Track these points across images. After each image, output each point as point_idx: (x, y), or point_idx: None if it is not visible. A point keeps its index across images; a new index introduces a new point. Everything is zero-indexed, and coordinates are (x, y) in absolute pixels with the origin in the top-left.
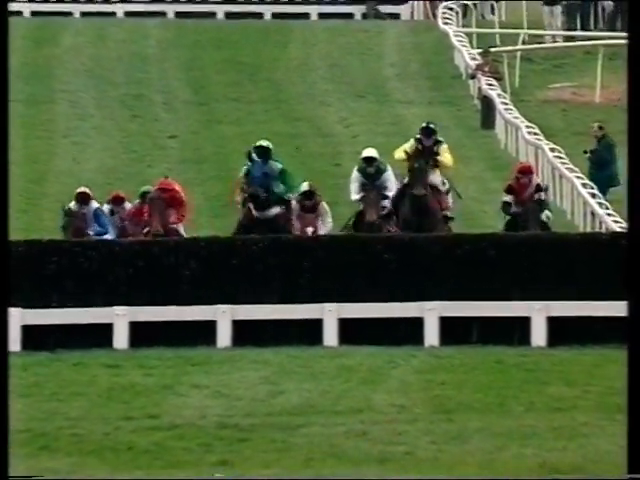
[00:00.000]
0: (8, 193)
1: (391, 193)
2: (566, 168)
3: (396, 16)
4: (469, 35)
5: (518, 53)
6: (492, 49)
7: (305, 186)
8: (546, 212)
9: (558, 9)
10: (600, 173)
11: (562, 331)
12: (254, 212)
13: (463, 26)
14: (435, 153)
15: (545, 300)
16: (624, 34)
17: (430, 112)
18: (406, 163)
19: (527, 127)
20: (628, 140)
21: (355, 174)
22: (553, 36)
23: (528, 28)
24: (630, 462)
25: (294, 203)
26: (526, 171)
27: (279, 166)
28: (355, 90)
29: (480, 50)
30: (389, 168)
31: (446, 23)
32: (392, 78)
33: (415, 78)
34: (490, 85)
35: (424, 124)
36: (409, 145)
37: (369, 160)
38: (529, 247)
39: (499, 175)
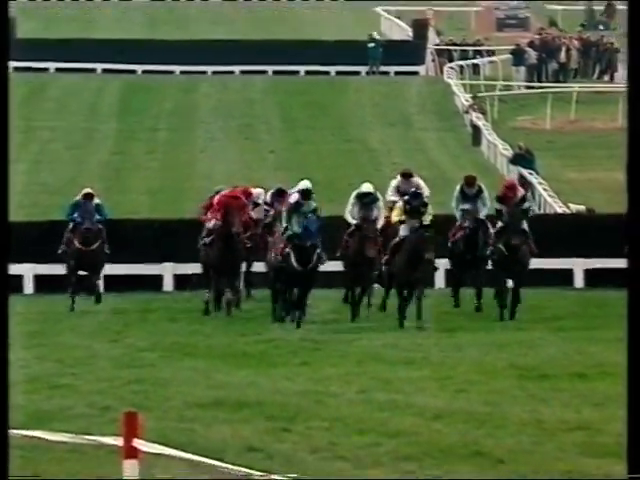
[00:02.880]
0: (8, 193)
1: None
2: (527, 172)
3: (416, 73)
4: (464, 85)
5: (496, 97)
6: (479, 94)
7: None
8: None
9: (522, 68)
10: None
11: None
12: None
13: (460, 79)
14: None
15: None
16: (566, 84)
17: (438, 135)
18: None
19: (502, 145)
20: (628, 140)
21: (352, 200)
22: (519, 86)
23: (502, 81)
24: (630, 462)
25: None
26: (512, 187)
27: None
28: (389, 121)
29: (471, 95)
30: (380, 198)
31: (449, 77)
32: (414, 113)
33: (428, 113)
34: (478, 117)
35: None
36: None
37: (366, 195)
38: None
39: (484, 177)
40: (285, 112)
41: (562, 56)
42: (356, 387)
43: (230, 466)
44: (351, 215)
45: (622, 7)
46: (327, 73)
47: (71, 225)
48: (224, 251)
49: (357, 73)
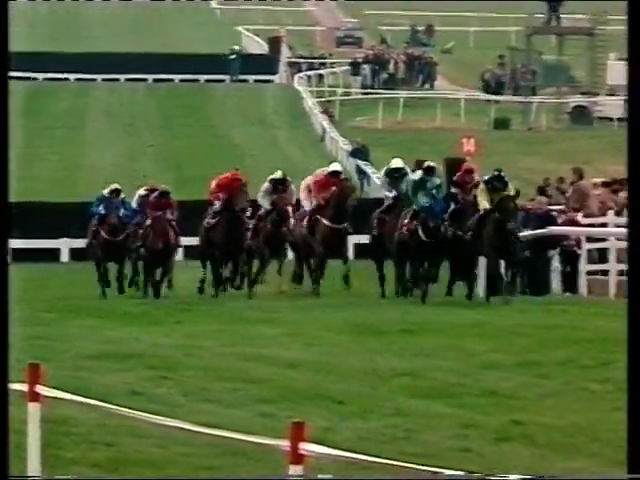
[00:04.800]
0: (8, 190)
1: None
2: (363, 163)
3: (271, 81)
4: (312, 92)
5: (337, 101)
6: (323, 99)
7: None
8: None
9: (358, 78)
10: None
11: None
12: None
13: (308, 87)
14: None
15: None
16: (394, 91)
17: (290, 133)
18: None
19: (342, 141)
20: (628, 140)
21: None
22: (356, 92)
23: (343, 88)
24: (630, 462)
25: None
26: (470, 171)
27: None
28: (249, 121)
29: (318, 99)
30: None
31: (299, 85)
32: (270, 114)
33: (282, 114)
34: (324, 118)
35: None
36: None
37: (397, 170)
38: None
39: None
40: (162, 113)
41: (391, 68)
42: (222, 342)
43: (117, 407)
44: (385, 190)
45: (440, 28)
46: (197, 81)
47: (96, 218)
48: (228, 231)
49: (222, 81)
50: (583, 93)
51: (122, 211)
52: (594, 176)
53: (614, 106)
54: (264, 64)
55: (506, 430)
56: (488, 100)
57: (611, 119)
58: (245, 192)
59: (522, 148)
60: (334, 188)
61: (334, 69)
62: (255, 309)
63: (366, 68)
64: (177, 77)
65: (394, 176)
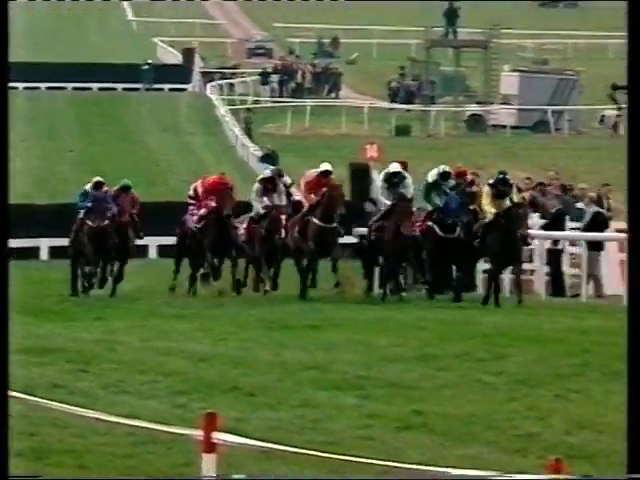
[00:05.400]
0: (8, 190)
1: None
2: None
3: (185, 89)
4: (224, 100)
5: (248, 109)
6: (234, 107)
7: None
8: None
9: (268, 87)
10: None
11: None
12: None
13: (220, 95)
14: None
15: None
16: (301, 100)
17: (203, 139)
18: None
19: (253, 147)
20: (628, 139)
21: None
22: (265, 101)
23: (253, 96)
24: (630, 462)
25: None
26: (462, 174)
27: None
28: (164, 127)
29: (229, 107)
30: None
31: (211, 93)
32: (183, 121)
33: (195, 121)
34: (234, 125)
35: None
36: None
37: (395, 175)
38: None
39: (240, 172)
40: (82, 119)
41: (299, 78)
42: (140, 337)
43: (40, 399)
44: (384, 197)
45: (345, 40)
46: (115, 89)
47: (82, 212)
48: (217, 235)
49: (138, 89)
50: (478, 102)
51: (108, 205)
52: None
53: (507, 114)
54: (178, 74)
55: (407, 419)
56: (391, 108)
57: (504, 126)
58: (232, 196)
59: (422, 154)
60: (324, 189)
61: (245, 79)
62: (170, 306)
63: (275, 78)
64: (95, 86)
65: (393, 181)
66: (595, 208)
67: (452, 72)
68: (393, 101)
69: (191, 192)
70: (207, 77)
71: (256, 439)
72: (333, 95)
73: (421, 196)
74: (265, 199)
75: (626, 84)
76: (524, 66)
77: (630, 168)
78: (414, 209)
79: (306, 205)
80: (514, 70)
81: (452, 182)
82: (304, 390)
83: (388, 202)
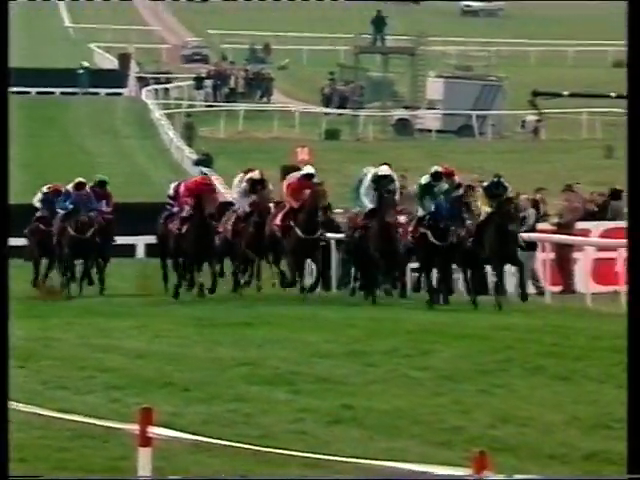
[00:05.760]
0: (8, 190)
1: None
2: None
3: (121, 94)
4: (159, 104)
5: (183, 113)
6: (170, 110)
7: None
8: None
9: (202, 92)
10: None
11: None
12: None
13: (155, 100)
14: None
15: None
16: (235, 104)
17: (139, 142)
18: None
19: (188, 149)
20: (628, 139)
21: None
22: (200, 105)
23: (188, 101)
24: (630, 462)
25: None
26: (450, 174)
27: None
28: (101, 130)
29: (165, 111)
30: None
31: (147, 98)
32: (120, 125)
33: (131, 125)
34: (169, 128)
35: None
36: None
37: (384, 177)
38: None
39: (176, 175)
40: (21, 123)
41: (232, 83)
42: (77, 334)
43: None
44: (368, 198)
45: (276, 47)
46: (53, 93)
47: (62, 214)
48: (198, 237)
49: (76, 94)
50: (405, 107)
51: (91, 205)
52: (414, 183)
53: (433, 119)
54: (115, 78)
55: (338, 414)
56: (327, 113)
57: (430, 131)
58: (215, 197)
59: (351, 157)
60: (307, 191)
61: (179, 84)
62: (107, 304)
63: (209, 83)
64: (34, 90)
65: (381, 183)
66: (533, 210)
67: (380, 78)
68: (326, 106)
69: (171, 192)
70: (143, 82)
71: (190, 433)
72: (265, 100)
73: (353, 199)
74: (253, 196)
75: (547, 90)
76: (449, 72)
77: (630, 168)
78: (354, 211)
79: (286, 207)
80: (439, 76)
81: (445, 185)
82: (237, 385)
83: (370, 205)
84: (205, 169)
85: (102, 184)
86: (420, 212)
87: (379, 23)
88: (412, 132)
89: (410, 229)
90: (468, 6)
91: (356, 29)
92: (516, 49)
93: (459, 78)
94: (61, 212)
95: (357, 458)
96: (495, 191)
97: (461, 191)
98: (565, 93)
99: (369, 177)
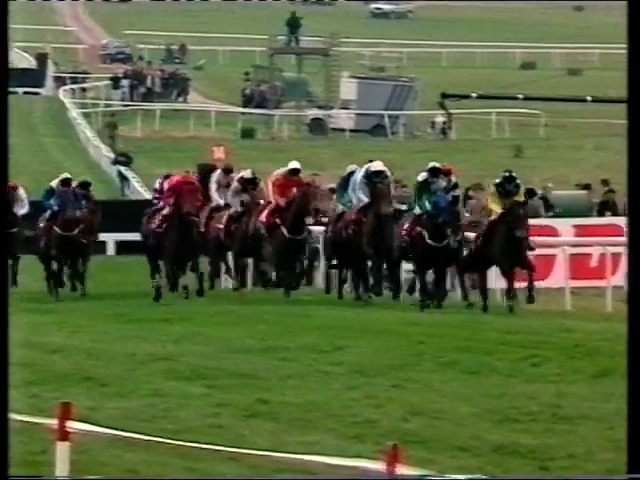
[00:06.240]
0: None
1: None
2: (124, 169)
3: (39, 93)
4: (75, 103)
5: (100, 112)
6: (87, 110)
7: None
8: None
9: (119, 91)
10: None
11: None
12: None
13: (72, 99)
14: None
15: None
16: (151, 103)
17: (56, 140)
18: None
19: (105, 148)
20: (628, 140)
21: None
22: (117, 105)
23: (105, 100)
24: (630, 462)
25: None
26: (448, 173)
27: None
28: (20, 129)
29: (81, 111)
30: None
31: (64, 97)
32: (38, 123)
33: (48, 123)
34: (84, 130)
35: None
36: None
37: (378, 173)
38: None
39: (91, 173)
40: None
41: (148, 83)
42: None
43: None
44: (362, 192)
45: (192, 47)
46: (38, 94)
47: (49, 212)
48: (179, 237)
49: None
50: (320, 107)
51: (78, 203)
52: (330, 181)
53: (346, 118)
54: (32, 78)
55: (253, 408)
56: (243, 113)
57: (344, 130)
58: (198, 196)
59: (266, 155)
60: (295, 189)
61: (96, 83)
62: (26, 300)
63: (125, 83)
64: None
65: (374, 180)
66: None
67: (295, 78)
68: (246, 106)
69: (157, 186)
70: (60, 81)
71: (108, 427)
72: (181, 99)
73: (339, 197)
74: (245, 195)
75: (455, 93)
76: (362, 73)
77: (630, 168)
78: (341, 209)
79: (272, 204)
80: (353, 77)
81: (443, 183)
82: (154, 380)
83: (365, 199)
84: (122, 167)
85: (85, 185)
86: (417, 210)
87: (293, 24)
88: (326, 131)
89: (406, 227)
90: (378, 8)
91: (271, 30)
92: (427, 50)
93: (372, 79)
94: (47, 211)
95: (272, 451)
96: (508, 187)
97: (459, 191)
98: (473, 95)
99: (362, 173)
